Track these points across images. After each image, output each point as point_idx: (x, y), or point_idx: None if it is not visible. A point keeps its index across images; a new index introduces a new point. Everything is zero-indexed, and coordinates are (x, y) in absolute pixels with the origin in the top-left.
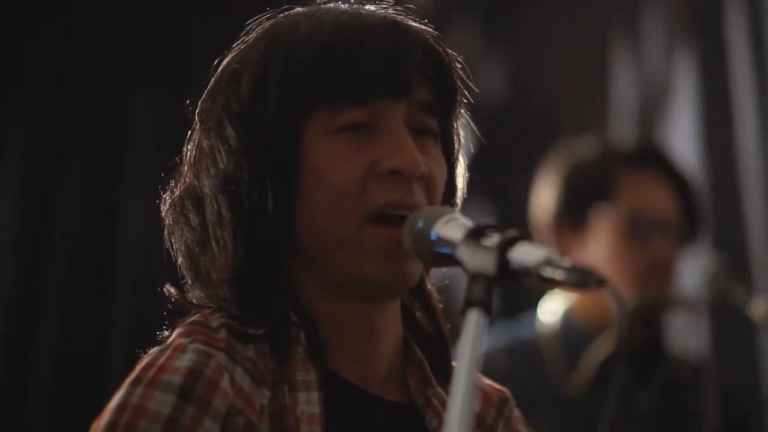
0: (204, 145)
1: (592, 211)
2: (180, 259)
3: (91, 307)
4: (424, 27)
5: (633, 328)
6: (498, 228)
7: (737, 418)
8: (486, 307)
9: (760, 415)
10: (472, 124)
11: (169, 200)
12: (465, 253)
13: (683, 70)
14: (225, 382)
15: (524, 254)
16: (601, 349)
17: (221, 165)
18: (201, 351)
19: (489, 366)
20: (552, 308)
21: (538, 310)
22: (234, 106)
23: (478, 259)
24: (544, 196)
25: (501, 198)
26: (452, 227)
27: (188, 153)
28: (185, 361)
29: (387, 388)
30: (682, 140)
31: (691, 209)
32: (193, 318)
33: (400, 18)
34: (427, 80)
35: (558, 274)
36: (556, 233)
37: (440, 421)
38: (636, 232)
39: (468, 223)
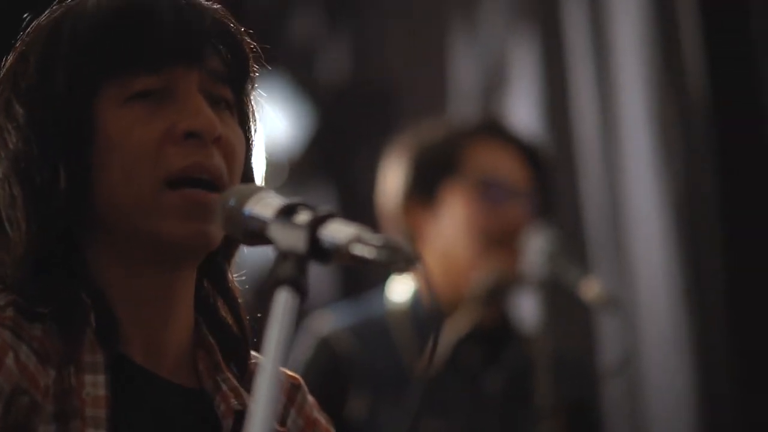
0: None
1: (441, 187)
2: None
3: None
4: (212, 4)
5: (483, 309)
6: (310, 206)
7: (575, 397)
8: (296, 285)
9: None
10: (310, 104)
11: None
12: (276, 231)
13: (523, 51)
14: (10, 360)
15: (335, 232)
16: (451, 330)
17: (11, 145)
18: None
19: (337, 346)
20: (402, 286)
21: (387, 288)
22: (21, 83)
23: (290, 238)
24: (393, 177)
25: (341, 178)
26: (264, 205)
27: None
28: None
29: (177, 371)
30: (522, 120)
31: (539, 177)
32: None
33: None
34: (218, 51)
35: (368, 252)
36: (407, 213)
37: (228, 406)
38: (486, 197)
39: (280, 201)
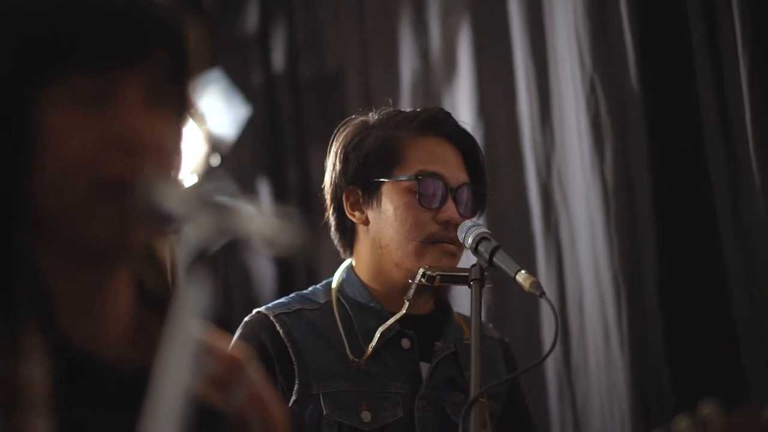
0: None
1: (380, 182)
2: None
3: None
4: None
5: (418, 298)
6: (226, 198)
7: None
8: (209, 262)
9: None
10: (250, 94)
11: None
12: (190, 225)
13: (466, 41)
14: None
15: (246, 224)
16: (385, 316)
17: None
18: None
19: (271, 323)
20: (343, 269)
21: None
22: None
23: (201, 228)
24: (334, 166)
25: (291, 171)
26: (180, 199)
27: None
28: None
29: (120, 354)
30: (465, 111)
31: (476, 172)
32: None
33: None
34: (163, 50)
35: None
36: (347, 202)
37: None
38: (423, 197)
39: (195, 195)
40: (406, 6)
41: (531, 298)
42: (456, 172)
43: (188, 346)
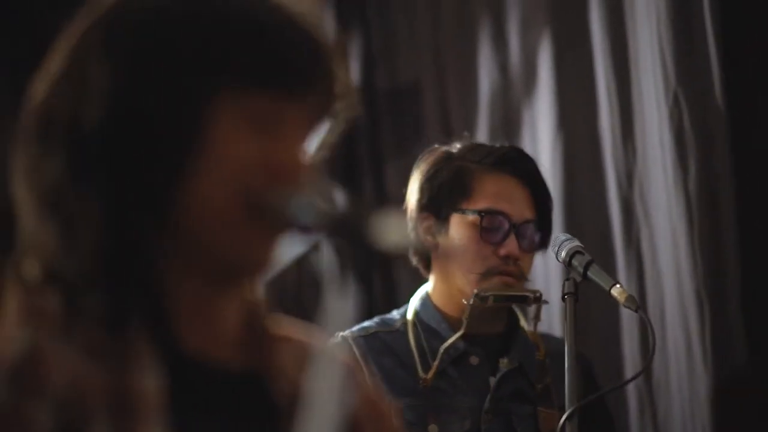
0: (93, 73)
1: (450, 212)
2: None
3: None
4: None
5: (485, 318)
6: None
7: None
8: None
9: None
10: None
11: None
12: (330, 233)
13: (546, 55)
14: (59, 370)
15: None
16: (451, 335)
17: (103, 121)
18: (33, 326)
19: (349, 346)
20: (420, 293)
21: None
22: (143, 54)
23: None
24: (412, 189)
25: (366, 183)
26: (314, 208)
27: (66, 70)
28: (17, 342)
29: (228, 358)
30: (545, 125)
31: (543, 210)
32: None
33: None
34: (330, 82)
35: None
36: (421, 225)
37: (279, 388)
38: (487, 232)
39: (329, 203)
40: (484, 19)
41: (612, 312)
42: (521, 210)
43: (335, 358)
